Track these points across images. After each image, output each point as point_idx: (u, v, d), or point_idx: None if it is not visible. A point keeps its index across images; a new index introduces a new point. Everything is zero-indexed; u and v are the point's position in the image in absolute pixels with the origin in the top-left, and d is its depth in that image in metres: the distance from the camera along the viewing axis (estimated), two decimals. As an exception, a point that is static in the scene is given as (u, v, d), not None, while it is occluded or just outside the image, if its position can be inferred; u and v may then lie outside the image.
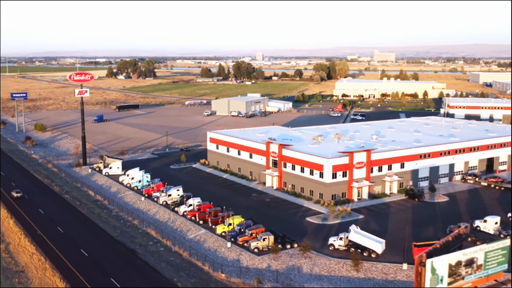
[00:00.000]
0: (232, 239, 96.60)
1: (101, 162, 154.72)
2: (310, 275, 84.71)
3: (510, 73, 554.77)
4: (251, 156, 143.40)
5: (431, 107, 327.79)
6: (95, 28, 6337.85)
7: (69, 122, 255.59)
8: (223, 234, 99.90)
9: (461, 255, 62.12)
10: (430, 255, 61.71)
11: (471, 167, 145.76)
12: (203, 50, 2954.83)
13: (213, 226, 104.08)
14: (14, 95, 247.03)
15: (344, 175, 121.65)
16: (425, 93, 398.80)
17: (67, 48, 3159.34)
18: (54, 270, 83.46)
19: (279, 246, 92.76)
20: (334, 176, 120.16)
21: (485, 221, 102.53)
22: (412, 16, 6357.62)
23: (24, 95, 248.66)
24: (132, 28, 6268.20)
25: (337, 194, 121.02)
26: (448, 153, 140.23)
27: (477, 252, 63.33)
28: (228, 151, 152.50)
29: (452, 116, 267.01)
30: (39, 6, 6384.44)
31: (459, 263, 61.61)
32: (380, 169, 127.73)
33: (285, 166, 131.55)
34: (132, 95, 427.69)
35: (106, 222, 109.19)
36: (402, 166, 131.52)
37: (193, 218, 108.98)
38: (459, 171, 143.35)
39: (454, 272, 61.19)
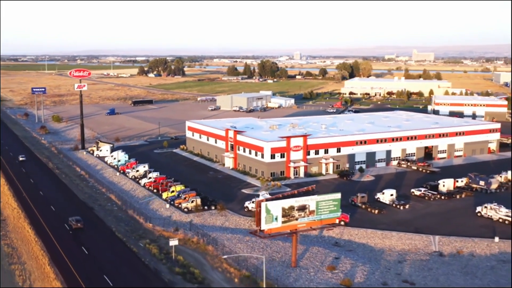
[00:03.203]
0: (171, 202, 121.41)
1: (94, 146, 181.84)
2: (219, 227, 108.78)
3: (510, 73, 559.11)
4: (216, 142, 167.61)
5: (427, 105, 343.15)
6: (138, 28, 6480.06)
7: (85, 115, 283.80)
8: (166, 198, 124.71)
9: (293, 202, 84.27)
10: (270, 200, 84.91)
11: (409, 154, 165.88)
12: (242, 50, 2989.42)
13: (162, 193, 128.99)
14: (34, 89, 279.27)
15: (282, 156, 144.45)
16: (431, 92, 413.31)
17: (110, 47, 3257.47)
18: (25, 218, 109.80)
19: (205, 207, 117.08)
20: (272, 157, 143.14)
21: (383, 193, 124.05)
22: (455, 14, 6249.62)
23: (43, 89, 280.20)
24: (174, 28, 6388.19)
25: (276, 172, 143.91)
26: (384, 140, 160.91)
27: (309, 200, 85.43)
28: (200, 137, 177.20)
29: (437, 112, 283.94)
30: (85, 6, 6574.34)
31: (292, 207, 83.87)
32: (317, 152, 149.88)
33: (239, 149, 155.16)
34: (153, 92, 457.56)
35: (80, 190, 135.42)
36: (339, 150, 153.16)
37: (150, 187, 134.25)
38: (397, 157, 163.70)
39: (287, 214, 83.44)
